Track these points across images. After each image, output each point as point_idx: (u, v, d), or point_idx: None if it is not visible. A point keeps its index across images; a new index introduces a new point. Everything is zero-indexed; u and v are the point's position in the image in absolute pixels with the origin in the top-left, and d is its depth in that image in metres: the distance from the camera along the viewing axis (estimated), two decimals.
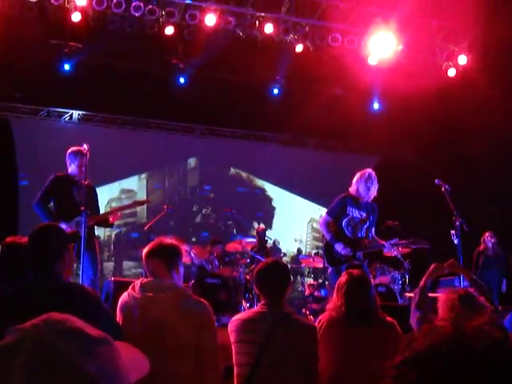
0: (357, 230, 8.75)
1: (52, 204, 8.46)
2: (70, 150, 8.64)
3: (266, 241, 13.86)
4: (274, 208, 18.05)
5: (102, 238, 15.55)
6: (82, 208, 7.68)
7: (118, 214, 9.10)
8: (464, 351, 1.09)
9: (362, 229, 8.79)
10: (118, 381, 1.27)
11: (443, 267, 5.67)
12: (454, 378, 1.06)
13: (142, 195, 16.71)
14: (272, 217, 17.96)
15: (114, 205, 15.95)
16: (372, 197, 8.83)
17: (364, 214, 8.78)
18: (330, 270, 9.02)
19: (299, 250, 17.82)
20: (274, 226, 17.44)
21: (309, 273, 14.86)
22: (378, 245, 8.80)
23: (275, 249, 14.82)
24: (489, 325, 1.14)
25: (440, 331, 1.15)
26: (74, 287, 4.19)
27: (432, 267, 5.66)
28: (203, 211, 17.42)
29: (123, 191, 16.75)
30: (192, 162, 17.55)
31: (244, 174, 17.97)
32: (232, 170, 17.87)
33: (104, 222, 8.95)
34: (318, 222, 17.92)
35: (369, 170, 8.85)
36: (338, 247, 8.58)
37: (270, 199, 18.07)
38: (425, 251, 11.48)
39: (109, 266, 16.08)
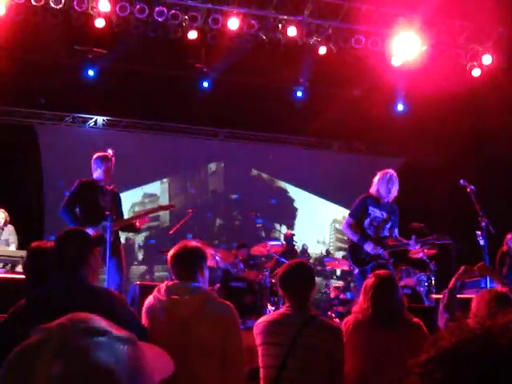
0: (379, 229, 8.74)
1: (78, 209, 8.50)
2: (95, 156, 8.70)
3: (294, 246, 13.85)
4: (296, 209, 18.04)
5: (125, 243, 15.62)
6: (107, 212, 7.74)
7: (146, 218, 9.11)
8: (490, 349, 1.08)
9: (385, 228, 8.78)
10: (142, 380, 1.27)
11: (473, 270, 5.63)
12: (479, 376, 1.05)
13: (164, 199, 16.78)
14: (294, 218, 17.95)
15: (137, 209, 16.06)
16: (393, 197, 8.81)
17: (385, 214, 8.76)
18: (356, 271, 8.99)
19: (328, 252, 17.81)
20: (296, 227, 17.39)
21: (334, 275, 14.82)
22: (403, 243, 8.74)
23: (303, 253, 14.77)
24: None
25: (466, 329, 1.14)
26: (100, 290, 4.22)
27: (461, 269, 5.62)
28: (227, 215, 17.45)
29: (146, 195, 16.84)
30: (214, 166, 17.59)
31: (267, 177, 17.97)
32: (255, 173, 17.88)
33: (130, 226, 8.98)
34: (340, 224, 17.94)
35: (390, 171, 8.83)
36: (368, 247, 8.55)
37: (291, 201, 18.04)
38: (451, 253, 11.43)
39: (133, 270, 16.13)
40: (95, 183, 8.60)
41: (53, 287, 4.07)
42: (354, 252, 8.81)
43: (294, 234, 14.19)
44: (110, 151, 8.28)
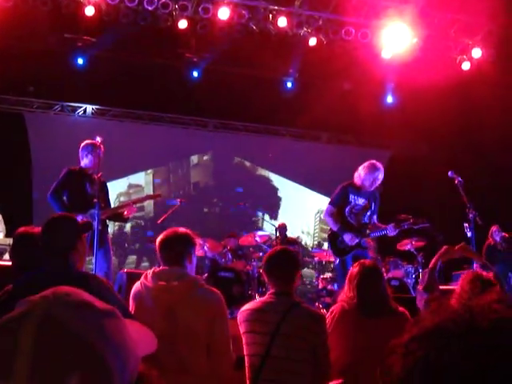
0: (360, 217, 8.79)
1: (65, 197, 8.47)
2: (83, 144, 8.67)
3: (286, 236, 13.80)
4: (280, 199, 18.04)
5: (111, 232, 15.64)
6: (95, 200, 7.73)
7: (133, 207, 9.10)
8: (471, 328, 1.08)
9: (365, 216, 8.83)
10: (124, 354, 1.27)
11: (454, 250, 5.65)
12: (460, 354, 1.06)
13: (148, 190, 16.75)
14: (278, 208, 17.95)
15: (122, 199, 16.07)
16: (375, 186, 8.85)
17: (366, 201, 8.81)
18: (336, 261, 9.08)
19: (319, 244, 17.83)
20: (282, 217, 17.37)
21: (321, 266, 14.82)
22: (382, 229, 8.76)
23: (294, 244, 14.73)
24: (497, 303, 1.13)
25: (448, 309, 1.15)
26: (87, 275, 4.22)
27: (443, 249, 5.64)
28: (215, 205, 17.45)
29: (131, 186, 16.82)
30: (196, 158, 17.55)
31: (254, 168, 17.95)
32: (243, 164, 17.86)
33: (118, 216, 8.98)
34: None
35: (373, 161, 8.89)
36: (347, 237, 8.60)
37: (276, 191, 18.04)
38: (438, 245, 11.44)
39: (119, 259, 16.11)
40: (83, 171, 8.58)
41: (40, 272, 4.08)
42: (333, 242, 8.87)
43: (285, 225, 14.14)
44: (98, 138, 8.26)
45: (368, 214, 8.85)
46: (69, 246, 4.23)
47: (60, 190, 8.43)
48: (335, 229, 8.76)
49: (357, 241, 8.61)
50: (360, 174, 8.82)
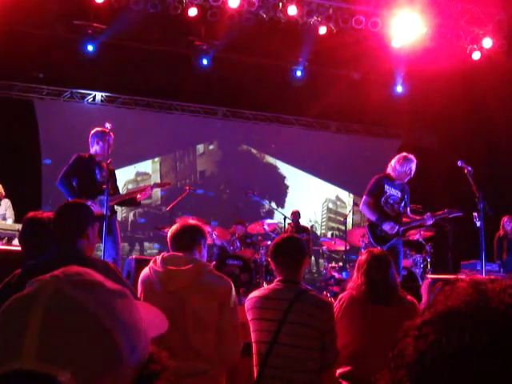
0: (395, 207, 8.90)
1: (74, 183, 8.49)
2: (93, 131, 8.70)
3: (299, 223, 13.80)
4: (287, 187, 18.06)
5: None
6: (104, 186, 7.75)
7: (147, 192, 9.10)
8: (485, 312, 1.08)
9: (400, 206, 8.95)
10: (134, 334, 1.28)
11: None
12: (473, 338, 1.06)
13: (156, 178, 16.81)
14: (285, 196, 17.98)
15: (130, 187, 16.12)
16: (407, 179, 8.98)
17: (400, 193, 8.94)
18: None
19: (322, 233, 17.87)
20: (287, 206, 17.36)
21: (329, 255, 14.81)
22: (418, 219, 8.90)
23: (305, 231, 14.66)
24: (511, 287, 1.13)
25: (462, 292, 1.14)
26: (96, 261, 4.24)
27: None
28: (222, 193, 17.47)
29: (138, 174, 16.88)
30: (210, 145, 17.56)
31: (263, 156, 17.96)
32: (252, 152, 17.87)
33: (130, 200, 9.01)
34: (333, 203, 17.96)
35: (406, 154, 8.97)
36: (386, 227, 8.69)
37: (283, 179, 18.06)
38: (447, 234, 11.47)
39: (125, 247, 16.16)
40: (93, 158, 8.60)
41: (49, 257, 4.09)
42: (373, 231, 8.94)
43: (299, 212, 14.12)
44: (107, 125, 8.25)
45: (402, 204, 8.97)
46: (79, 232, 4.25)
47: (69, 175, 8.44)
48: (373, 219, 8.84)
49: (396, 229, 8.71)
50: (395, 166, 8.92)
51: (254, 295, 4.90)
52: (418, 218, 8.93)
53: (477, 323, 1.07)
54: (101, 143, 8.54)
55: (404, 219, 8.96)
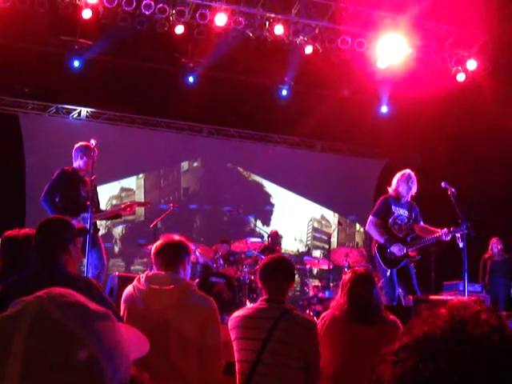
0: (403, 227, 8.91)
1: (57, 199, 8.45)
2: (77, 145, 8.66)
3: (277, 244, 13.80)
4: (273, 205, 18.06)
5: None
6: (88, 203, 7.73)
7: (129, 212, 9.10)
8: (462, 338, 1.09)
9: (408, 225, 8.94)
10: (117, 356, 1.28)
11: None
12: (451, 364, 1.07)
13: (140, 195, 16.79)
14: (271, 215, 17.97)
15: (114, 202, 16.10)
16: (411, 196, 9.01)
17: (407, 212, 8.94)
18: (387, 273, 9.04)
19: (308, 249, 17.85)
20: (274, 225, 17.35)
21: (313, 274, 14.82)
22: (435, 236, 8.78)
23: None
24: (487, 312, 1.15)
25: (439, 317, 1.16)
26: (78, 278, 4.22)
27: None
28: (206, 211, 17.44)
29: (123, 189, 16.82)
30: (194, 162, 17.54)
31: (247, 174, 17.96)
32: (237, 170, 17.87)
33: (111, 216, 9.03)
34: (318, 222, 17.97)
35: (408, 171, 9.00)
36: (395, 249, 8.68)
37: (268, 197, 18.05)
38: (430, 255, 11.48)
39: (108, 263, 16.10)
40: (76, 172, 8.57)
41: (31, 273, 4.08)
42: (382, 253, 8.89)
43: (278, 232, 14.14)
44: (92, 141, 8.24)
45: (410, 223, 8.96)
46: (61, 248, 4.24)
47: (53, 192, 8.40)
48: (381, 241, 8.81)
49: (404, 251, 8.71)
50: (396, 184, 8.95)
51: (238, 314, 4.89)
52: (435, 233, 8.79)
53: (452, 349, 1.08)
54: (85, 158, 8.52)
55: (419, 233, 8.92)
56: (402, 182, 8.88)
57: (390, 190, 9.00)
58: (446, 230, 8.57)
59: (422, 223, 9.08)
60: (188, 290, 4.50)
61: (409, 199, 9.01)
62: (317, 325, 4.87)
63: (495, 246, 13.11)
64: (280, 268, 4.93)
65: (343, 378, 4.82)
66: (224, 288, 10.84)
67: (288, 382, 4.58)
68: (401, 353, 1.14)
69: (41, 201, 8.42)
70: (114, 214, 9.01)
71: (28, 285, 3.84)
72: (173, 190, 17.41)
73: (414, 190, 8.96)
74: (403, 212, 8.91)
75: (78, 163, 8.60)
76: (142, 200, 15.46)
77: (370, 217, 9.07)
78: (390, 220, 8.85)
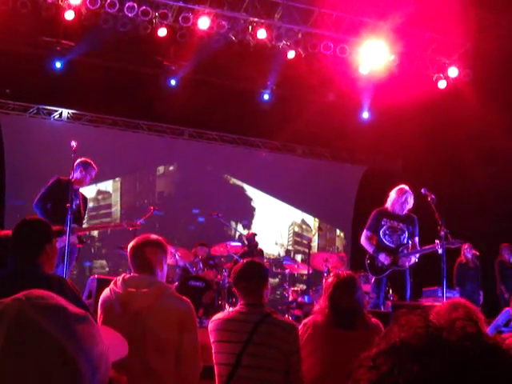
0: (395, 238, 9.23)
1: (49, 206, 8.57)
2: (81, 160, 8.85)
3: (256, 246, 13.80)
4: (254, 209, 18.05)
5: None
6: (67, 205, 7.80)
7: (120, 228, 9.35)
8: (437, 344, 1.10)
9: (402, 237, 9.24)
10: (95, 358, 1.28)
11: None
12: (425, 370, 1.07)
13: (116, 198, 16.76)
14: (252, 218, 17.97)
15: (91, 205, 16.03)
16: (407, 210, 9.27)
17: (401, 224, 9.24)
18: (372, 279, 9.54)
19: (287, 252, 17.88)
20: (255, 229, 17.32)
21: (292, 279, 14.82)
22: (429, 247, 8.97)
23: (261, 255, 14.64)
24: (463, 320, 1.15)
25: (414, 324, 1.16)
26: (53, 278, 4.21)
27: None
28: (184, 215, 17.39)
29: (100, 192, 16.72)
30: (173, 165, 17.47)
31: (228, 178, 17.93)
32: (218, 174, 17.83)
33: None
34: (299, 227, 18.01)
35: (402, 186, 9.28)
36: (381, 257, 9.08)
37: (250, 201, 18.04)
38: None
39: (87, 266, 16.04)
40: (71, 184, 8.64)
41: (6, 273, 4.08)
42: (372, 262, 9.30)
43: (255, 234, 14.14)
44: (73, 143, 8.28)
45: (405, 236, 9.25)
46: (38, 248, 4.23)
47: (45, 199, 8.54)
48: (370, 251, 9.27)
49: (390, 260, 9.05)
50: (390, 199, 9.29)
51: (218, 317, 4.89)
52: (427, 247, 9.04)
53: (427, 354, 1.09)
54: (83, 173, 8.69)
55: (408, 247, 9.21)
56: (395, 198, 9.20)
57: (387, 203, 9.34)
58: (438, 242, 8.68)
59: (416, 239, 9.32)
60: (164, 292, 4.47)
61: (405, 213, 9.26)
62: (297, 328, 4.86)
63: (468, 251, 13.17)
64: (251, 271, 4.93)
65: (325, 383, 4.82)
66: (203, 292, 10.83)
67: None
68: (377, 358, 1.15)
69: (33, 205, 8.60)
70: (101, 229, 9.17)
71: (2, 285, 3.84)
72: (147, 194, 17.34)
73: (409, 205, 9.24)
74: (397, 224, 9.20)
75: (76, 175, 8.69)
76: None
77: (364, 231, 9.45)
78: (381, 231, 9.21)
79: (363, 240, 9.38)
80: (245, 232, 15.55)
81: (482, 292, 13.15)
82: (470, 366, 1.07)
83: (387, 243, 9.16)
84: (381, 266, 9.11)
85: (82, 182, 8.66)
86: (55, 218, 8.18)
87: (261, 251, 13.74)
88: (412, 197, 9.16)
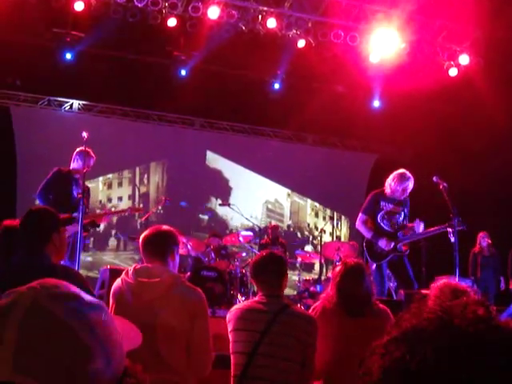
0: (393, 221, 9.02)
1: (51, 196, 8.58)
2: (79, 149, 8.85)
3: (277, 238, 13.77)
4: (265, 199, 18.06)
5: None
6: (80, 195, 7.82)
7: (109, 217, 9.33)
8: (449, 329, 1.10)
9: (398, 220, 9.06)
10: (110, 347, 1.28)
11: None
12: (438, 355, 1.07)
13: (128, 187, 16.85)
14: (264, 208, 17.98)
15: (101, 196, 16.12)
16: (403, 196, 9.09)
17: (398, 208, 9.05)
18: (373, 266, 9.20)
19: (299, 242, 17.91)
20: (267, 218, 17.33)
21: (304, 268, 14.80)
22: (421, 233, 9.00)
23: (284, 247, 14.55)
24: (474, 304, 1.15)
25: (426, 310, 1.16)
26: (59, 268, 4.22)
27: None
28: (199, 204, 17.42)
29: (105, 183, 16.76)
30: (186, 154, 17.42)
31: (241, 168, 17.90)
32: (228, 163, 17.81)
33: (93, 223, 9.03)
34: (310, 215, 17.99)
35: (402, 170, 9.08)
36: (382, 243, 8.85)
37: (258, 191, 18.03)
38: (421, 249, 11.50)
39: (97, 257, 16.10)
40: (71, 173, 8.69)
41: (14, 263, 4.09)
42: (370, 248, 9.08)
43: (278, 227, 14.11)
44: (84, 134, 8.31)
45: (401, 218, 9.09)
46: (44, 238, 4.24)
47: (47, 190, 8.55)
48: (368, 236, 9.04)
49: (392, 245, 8.85)
50: (390, 184, 9.03)
51: (238, 307, 4.95)
52: (429, 229, 8.99)
53: (439, 340, 1.09)
54: (81, 162, 8.66)
55: (406, 232, 9.04)
56: (395, 181, 8.96)
57: (385, 186, 9.08)
58: (450, 230, 8.61)
59: (406, 221, 9.21)
60: (176, 282, 4.49)
61: (403, 197, 9.07)
62: (315, 320, 4.86)
63: (483, 240, 13.15)
64: (271, 265, 4.94)
65: (333, 371, 4.83)
66: (215, 282, 10.85)
67: (285, 374, 4.60)
68: (389, 345, 1.15)
69: (36, 197, 8.62)
70: (98, 218, 9.13)
71: (11, 275, 3.86)
72: (159, 184, 17.32)
73: (409, 191, 9.06)
74: (393, 208, 8.98)
75: (75, 165, 8.73)
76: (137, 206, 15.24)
77: (359, 214, 9.22)
78: (379, 216, 8.98)
79: (359, 224, 9.15)
80: (253, 220, 15.51)
81: (503, 278, 13.11)
82: (482, 350, 1.07)
83: (385, 227, 8.97)
84: (380, 251, 8.91)
85: (81, 171, 8.64)
86: (58, 209, 8.20)
87: (283, 243, 13.70)
88: (413, 182, 9.01)
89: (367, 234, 9.03)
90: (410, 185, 8.99)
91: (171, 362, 4.30)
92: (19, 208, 14.55)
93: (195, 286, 4.62)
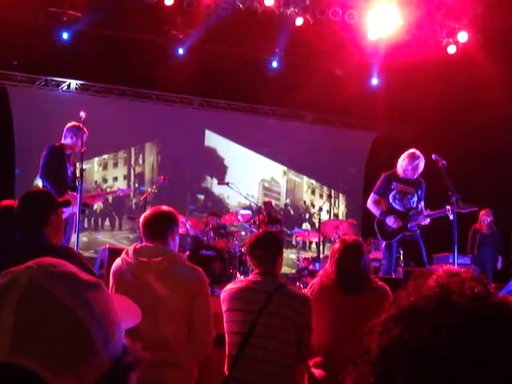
0: (405, 201, 9.01)
1: (51, 176, 8.52)
2: (70, 124, 8.73)
3: (275, 214, 13.75)
4: (261, 177, 18.06)
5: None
6: (79, 176, 7.79)
7: (102, 198, 9.36)
8: (447, 306, 1.10)
9: (411, 201, 9.04)
10: (109, 325, 1.28)
11: None
12: (436, 333, 1.07)
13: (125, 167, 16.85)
14: (261, 187, 17.98)
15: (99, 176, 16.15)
16: (415, 176, 9.04)
17: (411, 188, 9.03)
18: (382, 244, 9.29)
19: (298, 220, 17.92)
20: (263, 196, 17.35)
21: (303, 246, 14.85)
22: (433, 213, 8.94)
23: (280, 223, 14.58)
24: (472, 281, 1.15)
25: (424, 287, 1.16)
26: (57, 247, 4.23)
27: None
28: (196, 183, 17.43)
29: (101, 164, 16.76)
30: (186, 133, 17.37)
31: (239, 147, 17.87)
32: (226, 142, 17.78)
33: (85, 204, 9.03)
34: (308, 194, 18.00)
35: (414, 151, 9.00)
36: (389, 221, 8.87)
37: (259, 168, 18.03)
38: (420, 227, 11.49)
39: (94, 237, 16.14)
40: (63, 149, 8.61)
41: (12, 245, 4.10)
42: (380, 226, 9.10)
43: (271, 202, 14.09)
44: (82, 114, 8.26)
45: (414, 199, 9.07)
46: (42, 219, 4.24)
47: (48, 168, 8.46)
48: (377, 214, 9.08)
49: (400, 224, 8.85)
50: (401, 164, 9.01)
51: (231, 286, 4.91)
52: (437, 211, 8.92)
53: (437, 317, 1.09)
54: (74, 138, 8.58)
55: (417, 212, 9.03)
56: (407, 163, 8.92)
57: (397, 167, 9.08)
58: (448, 207, 8.62)
59: (422, 203, 9.17)
60: (176, 261, 4.50)
61: (415, 177, 9.07)
62: (310, 300, 4.86)
63: (485, 218, 13.14)
64: (266, 243, 4.94)
65: (332, 348, 4.84)
66: (215, 260, 10.87)
67: (279, 354, 4.60)
68: (387, 323, 1.15)
69: (39, 178, 8.56)
70: (90, 198, 9.14)
71: (9, 257, 3.86)
72: (157, 163, 17.29)
73: (420, 170, 9.00)
74: (407, 188, 8.99)
75: (67, 141, 8.64)
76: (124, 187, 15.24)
77: (371, 194, 9.27)
78: (391, 196, 9.00)
79: (370, 204, 9.21)
80: (251, 199, 15.49)
81: (501, 258, 13.16)
82: (480, 326, 1.07)
83: (397, 207, 8.97)
84: (390, 230, 8.92)
85: (73, 147, 8.56)
86: (58, 186, 8.20)
87: (279, 219, 13.70)
88: (423, 161, 8.99)
89: (376, 213, 9.10)
90: (421, 164, 8.93)
91: (172, 341, 4.31)
92: (17, 187, 14.56)
93: (194, 265, 4.63)
